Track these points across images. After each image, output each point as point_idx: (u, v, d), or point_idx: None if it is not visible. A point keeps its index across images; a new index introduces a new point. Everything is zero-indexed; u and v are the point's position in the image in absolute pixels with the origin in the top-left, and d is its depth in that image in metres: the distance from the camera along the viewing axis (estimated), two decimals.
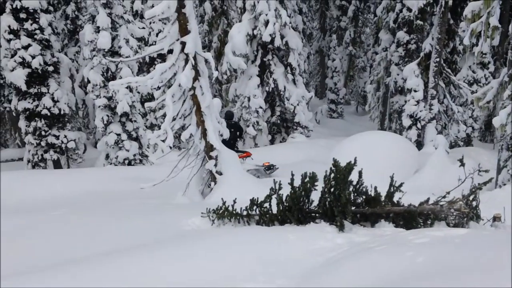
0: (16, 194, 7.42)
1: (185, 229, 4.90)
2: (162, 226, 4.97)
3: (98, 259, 3.69)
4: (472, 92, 12.75)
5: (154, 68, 6.79)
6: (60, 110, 13.39)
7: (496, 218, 4.01)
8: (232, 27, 16.36)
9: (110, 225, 5.06)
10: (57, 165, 13.75)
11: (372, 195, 4.26)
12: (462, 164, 3.83)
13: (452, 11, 13.23)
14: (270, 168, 9.77)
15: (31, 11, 12.80)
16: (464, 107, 15.28)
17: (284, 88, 15.53)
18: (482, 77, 15.97)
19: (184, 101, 6.88)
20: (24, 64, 12.84)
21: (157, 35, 15.93)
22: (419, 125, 13.14)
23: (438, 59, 12.86)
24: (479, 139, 18.73)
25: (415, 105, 13.08)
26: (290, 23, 15.58)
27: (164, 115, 6.77)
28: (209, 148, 7.01)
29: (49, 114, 13.17)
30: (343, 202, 4.12)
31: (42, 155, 13.41)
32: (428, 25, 15.32)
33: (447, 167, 8.83)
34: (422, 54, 13.51)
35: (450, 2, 12.26)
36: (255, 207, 4.76)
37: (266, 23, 14.71)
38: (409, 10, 14.93)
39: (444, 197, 3.98)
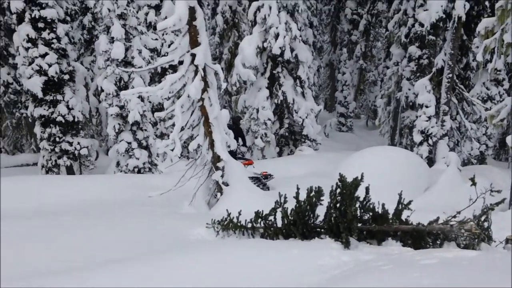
0: (28, 199, 7.46)
1: (190, 239, 4.87)
2: (167, 235, 4.95)
3: (97, 267, 3.67)
4: (486, 109, 12.59)
5: (165, 79, 6.83)
6: (74, 117, 13.58)
7: (508, 240, 3.89)
8: (242, 39, 16.45)
9: (114, 233, 5.04)
10: (70, 171, 13.89)
11: (380, 212, 4.17)
12: (474, 183, 3.73)
13: (465, 26, 13.14)
14: (266, 177, 10.08)
15: (49, 20, 13.04)
16: (478, 124, 15.09)
17: (293, 101, 15.51)
18: (496, 94, 15.78)
19: (193, 111, 6.90)
20: (41, 72, 13.06)
21: (169, 46, 16.07)
22: (430, 141, 12.99)
23: (450, 75, 12.75)
24: (493, 157, 18.42)
25: (427, 120, 12.94)
26: (301, 36, 15.63)
27: (173, 125, 6.79)
28: (216, 159, 6.99)
29: (63, 121, 13.35)
30: (349, 218, 4.05)
31: (55, 160, 13.58)
32: (441, 40, 15.22)
33: (458, 186, 8.64)
34: (434, 69, 13.41)
35: (464, 18, 12.17)
36: (260, 219, 4.71)
37: (277, 36, 14.76)
38: (421, 25, 14.86)
39: (454, 216, 3.88)
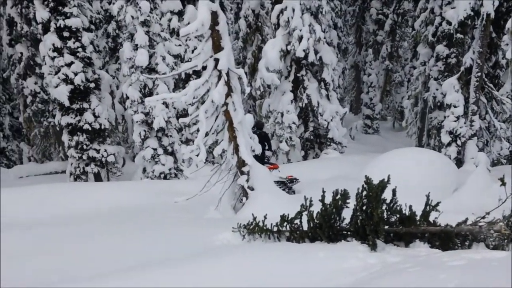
0: (58, 206, 7.69)
1: (216, 244, 4.92)
2: (193, 240, 5.01)
3: (122, 273, 3.77)
4: None
5: (188, 84, 6.93)
6: (100, 125, 13.85)
7: None
8: (266, 43, 16.51)
9: (142, 238, 5.15)
10: (97, 178, 14.20)
11: (407, 214, 4.11)
12: (503, 184, 3.64)
13: (494, 24, 12.80)
14: (292, 181, 10.05)
15: (74, 29, 13.35)
16: (508, 124, 14.62)
17: (318, 104, 15.44)
18: None
19: (217, 117, 6.97)
20: (67, 80, 13.37)
21: (192, 52, 16.24)
22: (459, 142, 12.69)
23: (479, 74, 12.44)
24: None
25: (455, 121, 12.66)
26: (325, 38, 15.55)
27: (198, 131, 6.87)
28: (241, 163, 7.03)
29: (90, 129, 13.64)
30: (376, 220, 4.01)
31: (83, 168, 13.89)
32: (469, 38, 14.86)
33: (488, 186, 8.41)
34: (462, 68, 13.11)
35: (492, 15, 11.86)
36: (285, 223, 4.71)
37: (300, 38, 14.74)
38: (449, 23, 14.55)
39: (483, 217, 3.79)
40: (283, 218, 4.70)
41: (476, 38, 12.63)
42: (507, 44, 12.02)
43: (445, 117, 13.18)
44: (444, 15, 14.94)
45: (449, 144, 12.84)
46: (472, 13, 12.49)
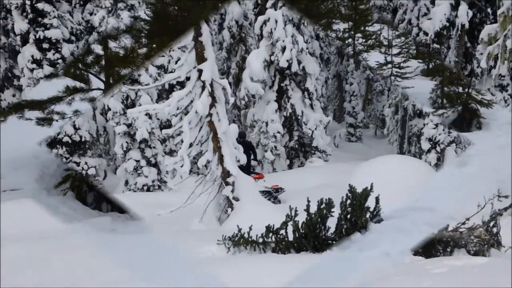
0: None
1: (200, 257, 4.87)
2: (176, 253, 4.94)
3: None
4: None
5: (172, 95, 6.93)
6: (81, 137, 13.55)
7: None
8: (250, 53, 16.61)
9: (123, 252, 5.07)
10: None
11: None
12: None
13: (469, 34, 13.20)
14: (277, 191, 10.10)
15: (54, 41, 13.15)
16: None
17: (302, 113, 15.58)
18: (501, 100, 15.66)
19: (201, 127, 6.97)
20: None
21: (176, 62, 16.24)
22: (438, 149, 12.95)
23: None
24: None
25: (434, 128, 12.93)
26: (307, 48, 15.74)
27: (182, 142, 6.86)
28: (226, 174, 7.03)
29: (70, 141, 13.36)
30: (360, 228, 4.06)
31: None
32: (445, 48, 15.24)
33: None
34: None
35: (467, 25, 12.23)
36: (271, 234, 4.72)
37: (283, 49, 14.90)
38: (426, 34, 14.91)
39: (463, 223, 3.88)
40: (269, 229, 4.71)
41: (452, 48, 12.99)
42: (481, 53, 12.37)
43: (424, 124, 13.46)
44: (421, 25, 15.32)
45: (429, 151, 13.09)
46: (447, 24, 12.86)
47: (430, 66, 15.64)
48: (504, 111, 12.35)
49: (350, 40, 18.66)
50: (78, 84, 9.33)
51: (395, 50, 17.77)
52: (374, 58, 18.48)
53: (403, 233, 5.30)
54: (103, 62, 9.19)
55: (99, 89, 9.40)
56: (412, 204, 4.24)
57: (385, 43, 18.04)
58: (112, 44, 9.81)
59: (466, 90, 12.97)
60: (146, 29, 14.19)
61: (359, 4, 17.66)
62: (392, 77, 17.63)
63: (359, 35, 18.19)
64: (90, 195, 9.05)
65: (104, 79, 9.27)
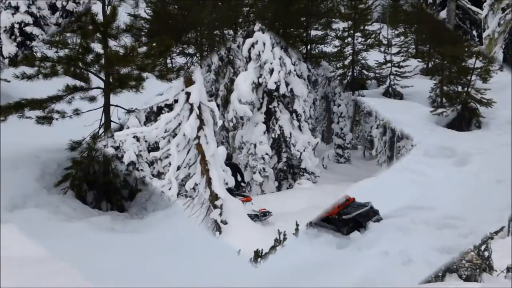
0: None
1: None
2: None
3: None
4: None
5: (160, 118, 6.89)
6: None
7: (509, 269, 3.82)
8: (238, 75, 16.70)
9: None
10: None
11: None
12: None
13: None
14: (265, 214, 9.96)
15: None
16: None
17: (290, 135, 15.61)
18: None
19: (189, 150, 6.93)
20: None
21: None
22: None
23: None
24: None
25: None
26: (295, 70, 15.90)
27: (170, 164, 6.79)
28: (214, 197, 6.96)
29: None
30: None
31: None
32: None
33: None
34: None
35: None
36: (259, 259, 4.63)
37: (271, 71, 15.02)
38: None
39: None
40: (257, 253, 4.62)
41: None
42: None
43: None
44: None
45: None
46: None
47: (430, 65, 15.88)
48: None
49: (349, 39, 18.79)
50: (78, 83, 9.38)
51: (394, 49, 18.15)
52: (373, 57, 18.67)
53: (402, 232, 5.29)
54: (103, 61, 9.20)
55: (99, 87, 9.38)
56: (411, 203, 4.19)
57: (385, 42, 18.39)
58: (112, 43, 9.89)
59: (466, 89, 13.13)
60: (146, 28, 14.33)
61: (358, 3, 17.95)
62: (392, 76, 17.85)
63: (358, 34, 18.40)
64: (90, 194, 9.09)
65: (104, 78, 9.29)
